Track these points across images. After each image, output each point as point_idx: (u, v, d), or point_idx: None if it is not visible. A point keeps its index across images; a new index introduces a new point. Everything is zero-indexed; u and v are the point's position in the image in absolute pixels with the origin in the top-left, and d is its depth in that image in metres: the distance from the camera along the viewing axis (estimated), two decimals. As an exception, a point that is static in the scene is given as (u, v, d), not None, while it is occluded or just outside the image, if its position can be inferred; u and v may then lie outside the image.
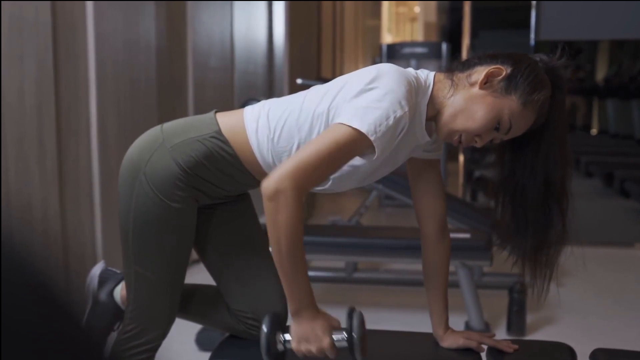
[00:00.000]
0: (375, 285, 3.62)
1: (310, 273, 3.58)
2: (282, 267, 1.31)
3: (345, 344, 1.33)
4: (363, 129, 1.29)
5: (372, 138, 1.29)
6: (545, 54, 1.46)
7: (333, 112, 1.40)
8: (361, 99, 1.34)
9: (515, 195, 1.48)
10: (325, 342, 1.32)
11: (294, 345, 1.34)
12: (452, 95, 1.42)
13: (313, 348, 1.32)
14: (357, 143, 1.30)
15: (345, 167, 1.42)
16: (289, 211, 1.26)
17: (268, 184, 1.26)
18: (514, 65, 1.40)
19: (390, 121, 1.31)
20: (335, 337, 1.33)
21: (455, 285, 2.94)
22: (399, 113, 1.31)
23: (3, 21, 2.35)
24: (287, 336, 1.37)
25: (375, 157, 1.34)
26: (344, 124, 1.30)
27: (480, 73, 1.40)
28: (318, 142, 1.30)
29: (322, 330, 1.32)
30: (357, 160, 1.41)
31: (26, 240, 0.50)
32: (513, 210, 1.50)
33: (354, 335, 1.31)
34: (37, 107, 2.53)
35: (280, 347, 1.37)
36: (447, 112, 1.42)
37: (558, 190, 1.46)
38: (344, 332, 1.34)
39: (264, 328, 1.36)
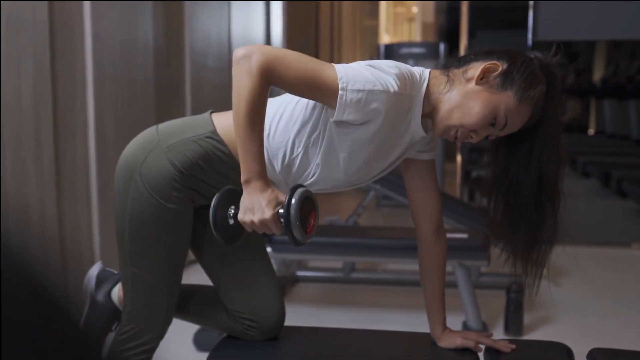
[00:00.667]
0: (373, 285, 3.63)
1: (308, 273, 3.60)
2: (238, 132, 1.32)
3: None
4: (339, 74, 1.31)
5: (340, 85, 1.31)
6: (540, 52, 1.47)
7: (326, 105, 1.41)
8: (356, 63, 1.38)
9: (508, 192, 1.49)
10: (268, 213, 1.31)
11: (239, 216, 1.34)
12: (448, 91, 1.42)
13: (256, 219, 1.31)
14: (329, 83, 1.32)
15: (334, 145, 1.42)
16: (251, 79, 1.28)
17: (239, 49, 1.30)
18: (509, 61, 1.40)
19: (367, 86, 1.32)
20: (280, 211, 1.32)
21: (453, 285, 2.94)
22: (378, 87, 1.33)
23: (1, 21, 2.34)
24: (237, 208, 1.36)
25: (335, 115, 1.35)
26: (332, 65, 1.34)
27: (476, 69, 1.41)
28: (304, 57, 1.34)
29: (268, 202, 1.32)
30: (342, 136, 1.41)
31: (23, 241, 0.50)
32: (506, 207, 1.50)
33: (292, 210, 1.29)
34: (34, 107, 2.53)
35: (230, 221, 1.36)
36: (444, 108, 1.42)
37: (551, 188, 1.46)
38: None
39: (213, 201, 1.34)
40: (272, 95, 1.48)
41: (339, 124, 1.40)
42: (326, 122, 1.42)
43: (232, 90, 1.32)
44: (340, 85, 1.31)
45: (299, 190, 1.31)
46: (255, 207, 1.32)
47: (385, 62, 1.39)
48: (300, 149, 1.46)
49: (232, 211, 1.36)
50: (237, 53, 1.30)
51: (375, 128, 1.39)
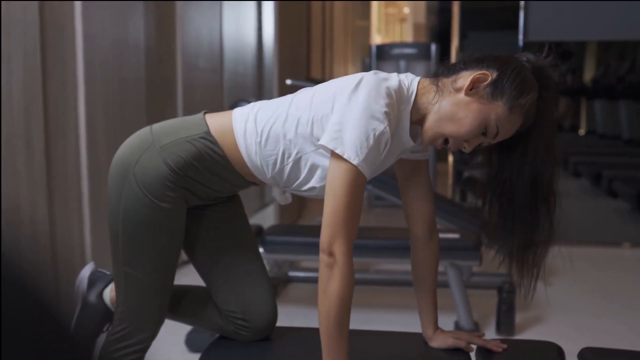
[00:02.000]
0: (365, 285, 3.63)
1: (300, 274, 3.60)
2: (328, 333, 1.36)
3: None
4: (345, 154, 1.33)
5: (356, 163, 1.33)
6: (532, 54, 1.47)
7: (317, 124, 1.42)
8: (341, 118, 1.36)
9: (503, 195, 1.49)
10: None
11: None
12: (437, 101, 1.42)
13: None
14: (358, 173, 1.35)
15: (322, 152, 1.44)
16: (343, 282, 1.34)
17: (322, 253, 1.35)
18: (499, 69, 1.40)
19: (371, 140, 1.33)
20: None
21: (445, 285, 2.95)
22: (379, 129, 1.34)
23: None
24: None
25: (368, 178, 1.38)
26: (341, 162, 1.34)
27: (465, 79, 1.41)
28: (337, 194, 1.35)
29: None
30: None
31: (14, 242, 0.50)
32: (501, 209, 1.50)
33: None
34: (24, 108, 2.51)
35: None
36: (432, 117, 1.42)
37: (545, 190, 1.46)
38: None
39: None
40: (267, 98, 1.48)
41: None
42: (315, 148, 1.43)
43: (320, 291, 1.36)
44: (356, 163, 1.33)
45: None
46: None
47: (371, 81, 1.38)
48: (290, 160, 1.47)
49: None
50: (325, 258, 1.35)
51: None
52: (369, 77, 1.39)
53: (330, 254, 1.34)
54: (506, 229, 1.50)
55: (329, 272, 1.34)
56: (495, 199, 1.51)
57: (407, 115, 1.43)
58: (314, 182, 1.48)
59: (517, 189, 1.46)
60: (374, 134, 1.33)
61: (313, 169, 1.47)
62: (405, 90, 1.43)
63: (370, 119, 1.33)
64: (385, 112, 1.34)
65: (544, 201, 1.47)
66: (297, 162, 1.47)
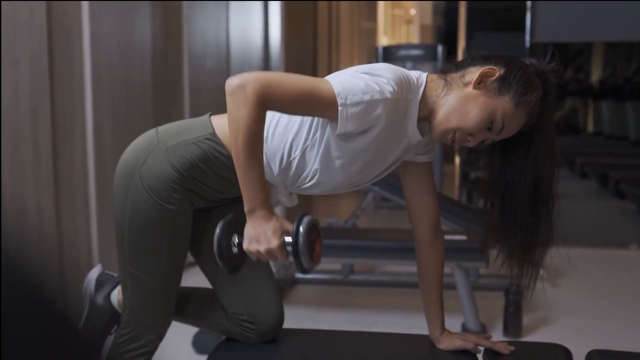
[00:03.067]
0: (371, 287, 3.62)
1: (307, 275, 3.59)
2: (238, 163, 1.32)
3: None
4: (336, 89, 1.32)
5: (339, 102, 1.31)
6: (535, 59, 1.48)
7: None
8: (350, 75, 1.37)
9: (504, 196, 1.49)
10: (274, 243, 1.31)
11: (244, 245, 1.33)
12: (445, 94, 1.43)
13: (262, 248, 1.31)
14: (327, 100, 1.32)
15: (332, 152, 1.43)
16: (248, 109, 1.28)
17: (232, 79, 1.30)
18: (507, 66, 1.41)
19: (365, 98, 1.32)
20: (287, 239, 1.32)
21: (452, 286, 2.94)
22: (376, 96, 1.33)
23: (-2, 24, 2.34)
24: (241, 238, 1.35)
25: (337, 129, 1.35)
26: (328, 81, 1.34)
27: (473, 73, 1.42)
28: (298, 76, 1.34)
29: (274, 231, 1.31)
30: (341, 145, 1.42)
31: (21, 244, 0.50)
32: (503, 210, 1.51)
33: (300, 239, 1.29)
34: (32, 109, 2.52)
35: (234, 249, 1.36)
36: (441, 112, 1.43)
37: (546, 192, 1.47)
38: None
39: (217, 230, 1.34)
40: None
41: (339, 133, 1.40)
42: (325, 127, 1.42)
43: (228, 119, 1.32)
44: (339, 101, 1.32)
45: (306, 219, 1.31)
46: (261, 236, 1.32)
47: (381, 66, 1.40)
48: (297, 152, 1.47)
49: (237, 240, 1.36)
50: (231, 83, 1.30)
51: (374, 134, 1.40)
52: (381, 64, 1.42)
53: (241, 84, 1.28)
54: (508, 230, 1.51)
55: (235, 98, 1.29)
56: (497, 200, 1.52)
57: (416, 106, 1.43)
58: (316, 164, 1.47)
59: (519, 190, 1.47)
60: (372, 96, 1.33)
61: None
62: (414, 80, 1.43)
63: (374, 85, 1.34)
64: (392, 90, 1.34)
65: (545, 203, 1.48)
66: (303, 155, 1.47)
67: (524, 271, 1.53)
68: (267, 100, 1.30)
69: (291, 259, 1.33)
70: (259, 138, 1.31)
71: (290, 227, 1.32)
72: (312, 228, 1.32)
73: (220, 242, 1.33)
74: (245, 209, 1.34)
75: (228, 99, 1.30)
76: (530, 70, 1.43)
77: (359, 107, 1.33)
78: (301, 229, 1.29)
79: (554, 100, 1.47)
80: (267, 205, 1.33)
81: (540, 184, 1.46)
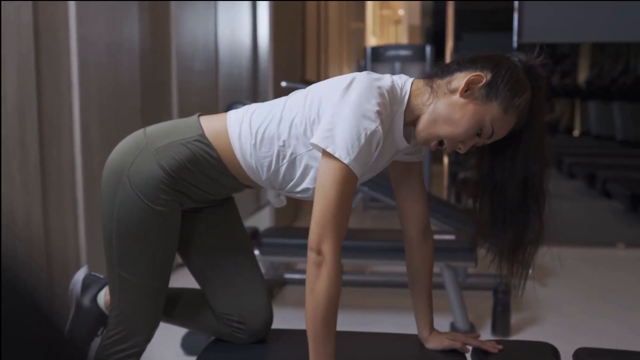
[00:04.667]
0: (360, 287, 3.63)
1: (296, 276, 3.59)
2: (316, 332, 1.36)
3: None
4: (336, 153, 1.32)
5: (347, 162, 1.33)
6: (523, 53, 1.47)
7: (310, 125, 1.42)
8: (332, 117, 1.36)
9: (494, 194, 1.49)
10: None
11: None
12: (432, 102, 1.43)
13: None
14: (345, 175, 1.34)
15: (315, 154, 1.44)
16: (331, 280, 1.34)
17: (311, 252, 1.35)
18: (493, 70, 1.40)
19: (362, 139, 1.33)
20: None
21: (440, 286, 2.95)
22: (370, 129, 1.33)
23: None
24: None
25: (359, 176, 1.37)
26: (330, 157, 1.34)
27: (460, 80, 1.41)
28: (326, 189, 1.35)
29: None
30: None
31: (8, 246, 0.50)
32: (492, 208, 1.51)
33: None
34: (18, 110, 2.51)
35: None
36: (426, 118, 1.43)
37: (536, 189, 1.47)
38: None
39: None
40: (262, 100, 1.48)
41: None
42: (309, 149, 1.43)
43: (307, 289, 1.36)
44: (347, 162, 1.33)
45: None
46: None
47: (364, 82, 1.38)
48: (285, 161, 1.47)
49: None
50: (313, 256, 1.35)
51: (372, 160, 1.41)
52: (361, 77, 1.40)
53: (319, 252, 1.34)
54: (497, 228, 1.51)
55: (317, 270, 1.34)
56: (487, 198, 1.52)
57: (401, 116, 1.43)
58: (307, 184, 1.48)
59: (509, 188, 1.47)
60: (366, 133, 1.33)
61: (307, 169, 1.47)
62: (398, 91, 1.43)
63: (362, 118, 1.33)
64: (378, 112, 1.34)
65: (535, 200, 1.48)
66: (292, 163, 1.47)
67: (513, 270, 1.53)
68: (342, 240, 1.37)
69: None
70: (337, 308, 1.38)
71: None
72: None
73: None
74: None
75: (309, 268, 1.35)
76: (518, 70, 1.43)
77: (363, 149, 1.34)
78: None
79: (544, 95, 1.46)
80: None
81: (530, 181, 1.46)
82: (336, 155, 1.33)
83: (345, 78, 1.41)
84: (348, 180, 1.35)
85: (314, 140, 1.36)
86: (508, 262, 1.53)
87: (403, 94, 1.43)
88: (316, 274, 1.34)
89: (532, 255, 1.52)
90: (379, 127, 1.34)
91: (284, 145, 1.46)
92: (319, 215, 1.35)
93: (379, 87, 1.38)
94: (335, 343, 1.38)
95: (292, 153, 1.46)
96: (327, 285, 1.33)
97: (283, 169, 1.48)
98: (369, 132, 1.33)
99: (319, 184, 1.37)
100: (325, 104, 1.39)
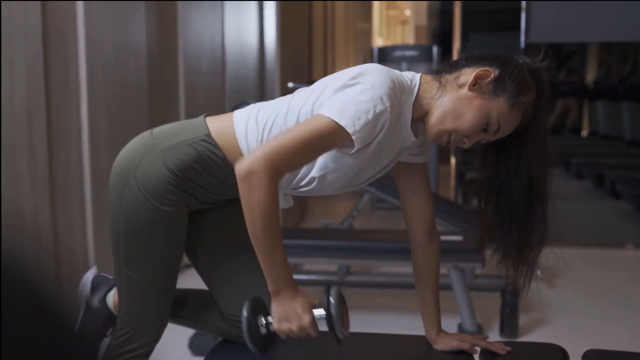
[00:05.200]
0: (367, 288, 3.62)
1: (303, 276, 3.59)
2: (259, 247, 1.33)
3: (325, 320, 1.33)
4: (342, 122, 1.31)
5: (350, 131, 1.31)
6: (528, 57, 1.48)
7: (317, 111, 1.41)
8: (343, 93, 1.36)
9: (499, 196, 1.50)
10: (306, 319, 1.32)
11: (275, 325, 1.34)
12: (440, 96, 1.43)
13: (294, 326, 1.32)
14: (335, 135, 1.32)
15: (330, 164, 1.43)
16: (262, 192, 1.27)
17: (241, 165, 1.28)
18: (501, 67, 1.41)
19: (370, 115, 1.32)
20: (316, 314, 1.33)
21: (448, 287, 2.94)
22: (379, 108, 1.33)
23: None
24: (269, 318, 1.36)
25: (354, 150, 1.36)
26: (325, 115, 1.33)
27: (468, 75, 1.42)
28: (296, 129, 1.33)
29: (302, 308, 1.33)
30: (338, 157, 1.42)
31: (17, 246, 0.50)
32: (497, 210, 1.51)
33: (333, 311, 1.31)
34: (27, 112, 2.52)
35: (263, 330, 1.36)
36: (436, 113, 1.43)
37: (540, 191, 1.47)
38: (323, 309, 1.33)
39: (245, 312, 1.35)
40: (267, 99, 1.49)
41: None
42: None
43: (243, 205, 1.30)
44: (350, 131, 1.31)
45: (334, 291, 1.33)
46: (290, 315, 1.33)
47: (375, 70, 1.39)
48: None
49: (264, 321, 1.37)
50: (241, 169, 1.28)
51: (377, 141, 1.40)
52: (373, 64, 1.42)
53: (251, 169, 1.27)
54: (503, 229, 1.51)
55: (248, 184, 1.27)
56: (492, 199, 1.52)
57: (410, 107, 1.43)
58: (314, 172, 1.48)
59: (514, 189, 1.47)
60: (375, 111, 1.33)
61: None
62: (408, 82, 1.44)
63: (372, 97, 1.33)
64: (389, 95, 1.34)
65: (539, 201, 1.48)
66: None
67: (519, 270, 1.53)
68: (280, 172, 1.30)
69: (322, 328, 1.34)
70: (276, 219, 1.31)
71: (316, 301, 1.35)
72: (340, 298, 1.34)
73: (249, 324, 1.34)
74: (270, 289, 1.35)
75: (240, 185, 1.29)
76: (525, 70, 1.44)
77: (368, 126, 1.33)
78: (332, 300, 1.31)
79: (548, 99, 1.47)
80: (292, 283, 1.35)
81: (534, 183, 1.46)
82: (342, 124, 1.31)
83: (354, 67, 1.42)
84: (330, 135, 1.32)
85: (322, 111, 1.34)
86: (513, 263, 1.53)
87: (412, 85, 1.44)
88: (248, 187, 1.28)
89: (537, 255, 1.52)
90: (388, 108, 1.34)
91: None
92: (269, 144, 1.30)
93: (391, 75, 1.39)
94: (285, 254, 1.34)
95: None
96: (261, 196, 1.27)
97: None
98: (378, 111, 1.33)
99: (297, 124, 1.36)
100: (334, 87, 1.39)
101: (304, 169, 1.48)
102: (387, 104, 1.34)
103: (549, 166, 1.49)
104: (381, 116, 1.34)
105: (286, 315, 1.33)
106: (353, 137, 1.32)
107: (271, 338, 1.40)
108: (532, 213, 1.48)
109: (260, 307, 1.39)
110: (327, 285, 1.36)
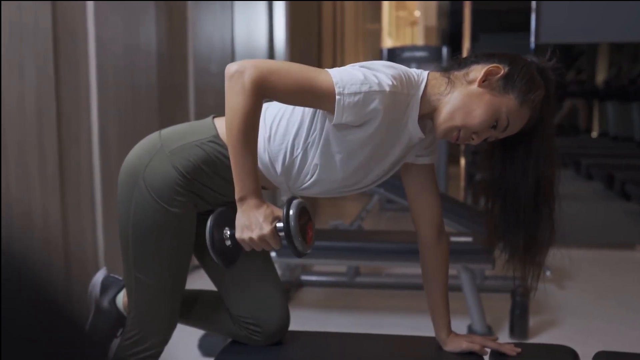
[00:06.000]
0: (377, 289, 3.62)
1: (312, 277, 3.59)
2: (232, 149, 1.33)
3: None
4: (334, 79, 1.32)
5: (337, 90, 1.32)
6: (535, 57, 1.48)
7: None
8: (349, 67, 1.39)
9: (507, 195, 1.49)
10: (267, 229, 1.31)
11: (237, 235, 1.34)
12: (449, 92, 1.43)
13: (254, 235, 1.32)
14: (325, 90, 1.33)
15: (333, 147, 1.43)
16: (244, 96, 1.29)
17: (231, 65, 1.30)
18: (511, 64, 1.42)
19: (363, 88, 1.33)
20: (278, 225, 1.32)
21: (458, 288, 2.94)
22: (374, 88, 1.33)
23: (3, 27, 2.35)
24: (234, 231, 1.36)
25: (334, 119, 1.36)
26: (326, 71, 1.35)
27: (478, 71, 1.42)
28: (297, 66, 1.35)
29: (265, 218, 1.32)
30: (340, 137, 1.41)
31: (27, 247, 0.50)
32: (504, 210, 1.51)
33: (291, 222, 1.30)
34: (37, 113, 2.53)
35: (227, 242, 1.36)
36: (445, 109, 1.42)
37: (547, 191, 1.47)
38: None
39: (209, 222, 1.35)
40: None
41: (337, 125, 1.40)
42: (323, 123, 1.43)
43: (225, 105, 1.31)
44: (336, 90, 1.32)
45: (295, 202, 1.32)
46: (252, 223, 1.32)
47: (380, 62, 1.40)
48: (299, 150, 1.47)
49: (228, 232, 1.37)
50: (230, 69, 1.30)
51: (372, 128, 1.40)
52: (379, 61, 1.43)
53: (239, 71, 1.29)
54: (510, 229, 1.51)
55: (232, 84, 1.29)
56: (499, 199, 1.51)
57: (417, 102, 1.43)
58: (316, 159, 1.47)
59: (521, 189, 1.47)
60: (369, 88, 1.33)
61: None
62: (415, 76, 1.44)
63: (373, 77, 1.34)
64: (390, 83, 1.34)
65: (546, 201, 1.47)
66: (305, 152, 1.47)
67: (526, 270, 1.53)
68: (265, 89, 1.31)
69: (284, 242, 1.33)
70: (254, 126, 1.32)
71: (280, 213, 1.33)
72: (302, 211, 1.33)
73: (212, 235, 1.34)
74: (236, 197, 1.34)
75: (226, 84, 1.30)
76: (533, 68, 1.43)
77: (356, 97, 1.33)
78: (291, 212, 1.30)
79: (554, 97, 1.47)
80: (258, 193, 1.34)
81: (541, 182, 1.46)
82: (333, 80, 1.32)
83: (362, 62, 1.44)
84: (321, 86, 1.32)
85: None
86: (521, 263, 1.52)
87: (420, 80, 1.44)
88: (232, 88, 1.29)
89: (544, 256, 1.52)
90: (385, 95, 1.34)
91: (298, 133, 1.46)
92: (266, 61, 1.33)
93: (397, 69, 1.40)
94: (256, 163, 1.35)
95: (305, 139, 1.45)
96: (242, 99, 1.28)
97: (298, 160, 1.48)
98: (373, 89, 1.33)
99: None
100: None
101: (307, 159, 1.47)
102: (386, 89, 1.34)
103: (556, 166, 1.48)
104: (374, 97, 1.34)
105: (248, 224, 1.32)
106: (336, 99, 1.32)
107: (237, 251, 1.39)
108: (539, 213, 1.48)
109: (226, 218, 1.38)
110: (291, 197, 1.35)
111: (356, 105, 1.34)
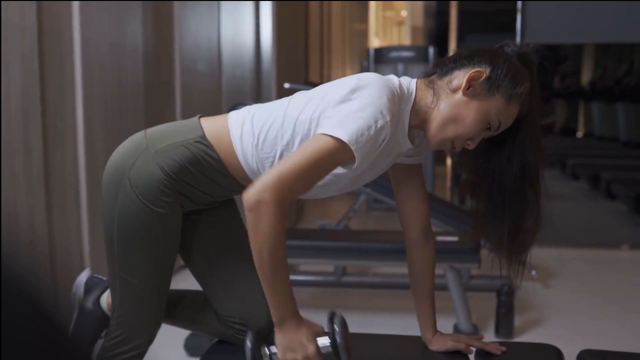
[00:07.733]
0: (364, 288, 3.63)
1: (299, 277, 3.59)
2: (265, 277, 1.32)
3: (330, 349, 1.33)
4: (344, 139, 1.29)
5: (353, 148, 1.30)
6: (514, 42, 1.48)
7: (315, 122, 1.41)
8: (342, 108, 1.34)
9: (492, 183, 1.49)
10: (311, 349, 1.31)
11: (280, 356, 1.33)
12: (436, 104, 1.43)
13: (299, 356, 1.31)
14: (338, 153, 1.31)
15: (328, 176, 1.42)
16: (270, 222, 1.26)
17: (249, 195, 1.27)
18: (491, 64, 1.41)
19: (372, 131, 1.31)
20: (320, 342, 1.33)
21: (444, 288, 2.95)
22: (380, 123, 1.32)
23: (-12, 26, 2.33)
24: (273, 348, 1.36)
25: (355, 166, 1.35)
26: (327, 134, 1.31)
27: (460, 78, 1.42)
28: (301, 153, 1.31)
29: (307, 337, 1.32)
30: (339, 170, 1.41)
31: (12, 248, 0.50)
32: (490, 197, 1.50)
33: (338, 339, 1.31)
34: (22, 112, 2.51)
35: None
36: (435, 122, 1.42)
37: (533, 176, 1.47)
38: (328, 337, 1.34)
39: (248, 343, 1.35)
40: (265, 101, 1.48)
41: None
42: None
43: (250, 233, 1.28)
44: (353, 148, 1.30)
45: (337, 319, 1.34)
46: (295, 345, 1.32)
47: (374, 86, 1.36)
48: None
49: (267, 351, 1.36)
50: (249, 201, 1.26)
51: (374, 155, 1.40)
52: (370, 76, 1.40)
53: (259, 200, 1.25)
54: (496, 217, 1.50)
55: (256, 214, 1.26)
56: (484, 187, 1.51)
57: (407, 115, 1.43)
58: None
59: (506, 176, 1.47)
60: (376, 126, 1.32)
61: None
62: (405, 89, 1.43)
63: (373, 112, 1.32)
64: (389, 108, 1.34)
65: (532, 187, 1.47)
66: None
67: (512, 259, 1.53)
68: (288, 200, 1.29)
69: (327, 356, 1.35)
70: (283, 249, 1.31)
71: (319, 329, 1.35)
72: (344, 326, 1.34)
73: (253, 356, 1.34)
74: (275, 319, 1.34)
75: (248, 214, 1.27)
76: (514, 59, 1.43)
77: (370, 142, 1.32)
78: (337, 328, 1.32)
79: (537, 81, 1.46)
80: (296, 312, 1.35)
81: (527, 168, 1.46)
82: (345, 140, 1.29)
83: (352, 77, 1.41)
84: (337, 156, 1.31)
85: (321, 130, 1.33)
86: (507, 250, 1.52)
87: (410, 92, 1.44)
88: (256, 217, 1.26)
89: (531, 242, 1.51)
90: (389, 123, 1.34)
91: (287, 145, 1.45)
92: (276, 171, 1.27)
93: (389, 86, 1.38)
94: (290, 283, 1.34)
95: None
96: (269, 226, 1.26)
97: None
98: (379, 126, 1.32)
99: (304, 144, 1.34)
100: (333, 100, 1.37)
101: None
102: (388, 118, 1.33)
103: (542, 152, 1.48)
104: (382, 130, 1.33)
105: (291, 346, 1.32)
106: (355, 154, 1.31)
107: None
108: (525, 197, 1.47)
109: (262, 337, 1.40)
110: (331, 313, 1.36)
111: (371, 146, 1.34)
